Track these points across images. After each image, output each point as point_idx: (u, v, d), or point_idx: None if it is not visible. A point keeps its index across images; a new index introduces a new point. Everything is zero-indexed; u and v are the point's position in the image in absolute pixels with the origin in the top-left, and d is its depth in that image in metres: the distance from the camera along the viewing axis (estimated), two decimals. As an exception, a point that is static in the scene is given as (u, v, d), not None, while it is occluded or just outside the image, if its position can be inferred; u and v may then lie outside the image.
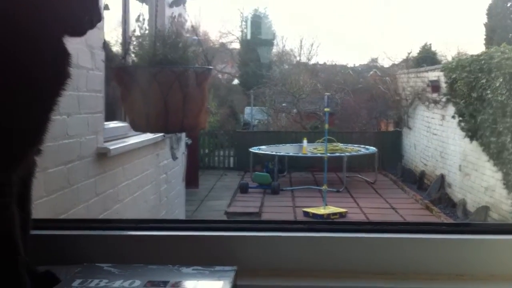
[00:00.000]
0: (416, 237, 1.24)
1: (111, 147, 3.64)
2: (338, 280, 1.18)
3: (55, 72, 0.95)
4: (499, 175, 7.82)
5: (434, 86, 10.82)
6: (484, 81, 8.29)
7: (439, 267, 1.21)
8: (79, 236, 1.21)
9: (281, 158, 11.94)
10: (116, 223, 1.28)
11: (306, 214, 8.51)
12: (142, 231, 1.24)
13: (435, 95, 10.88)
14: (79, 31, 0.98)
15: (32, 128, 0.93)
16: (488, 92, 8.12)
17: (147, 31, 2.57)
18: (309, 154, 11.72)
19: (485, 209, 8.10)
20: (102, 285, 1.00)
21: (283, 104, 16.31)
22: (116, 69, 2.46)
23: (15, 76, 0.90)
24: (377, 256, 1.21)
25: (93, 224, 1.29)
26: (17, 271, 0.92)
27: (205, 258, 1.16)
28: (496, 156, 7.87)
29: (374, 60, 18.45)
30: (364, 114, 15.10)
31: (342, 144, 12.15)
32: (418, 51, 15.85)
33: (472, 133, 8.76)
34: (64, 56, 0.97)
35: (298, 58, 19.95)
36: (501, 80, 7.68)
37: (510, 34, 13.92)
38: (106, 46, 3.75)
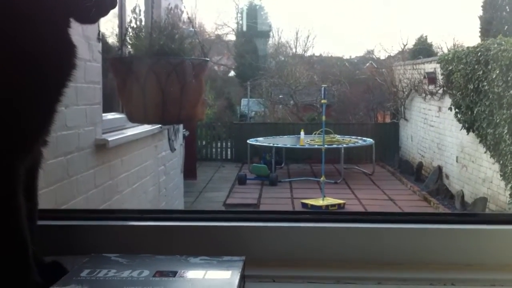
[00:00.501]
0: (424, 227, 1.24)
1: (110, 139, 3.63)
2: (347, 270, 1.17)
3: (61, 62, 0.94)
4: (496, 167, 7.84)
5: (431, 78, 10.83)
6: (480, 73, 8.29)
7: (448, 257, 1.20)
8: (86, 226, 1.20)
9: (279, 149, 11.94)
10: (123, 214, 1.27)
11: (305, 205, 8.53)
12: (149, 221, 1.23)
13: (431, 87, 10.88)
14: (88, 18, 0.96)
15: (38, 119, 0.92)
16: (485, 84, 8.12)
17: (143, 23, 2.55)
18: (307, 146, 11.72)
19: (483, 200, 8.13)
20: (110, 275, 0.99)
21: (280, 96, 16.30)
22: (113, 60, 2.44)
23: (21, 66, 0.88)
24: (386, 246, 1.20)
25: (100, 214, 1.28)
26: (26, 261, 0.91)
27: (213, 248, 1.16)
28: (493, 147, 7.89)
29: (370, 52, 18.43)
30: (361, 105, 15.10)
31: (339, 136, 12.17)
32: (414, 43, 15.86)
33: (469, 124, 8.77)
34: (70, 47, 0.95)
35: (294, 50, 19.92)
36: (497, 72, 7.68)
37: (506, 26, 13.91)
38: (102, 37, 3.73)
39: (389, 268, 1.19)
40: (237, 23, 20.15)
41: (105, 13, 0.97)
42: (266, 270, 1.16)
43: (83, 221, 1.21)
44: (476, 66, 8.44)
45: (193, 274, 1.02)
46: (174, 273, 1.01)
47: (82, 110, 3.31)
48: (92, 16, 0.96)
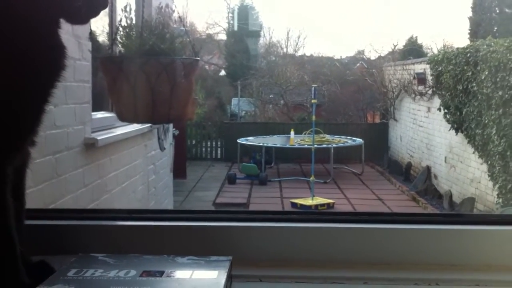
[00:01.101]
0: (411, 227, 1.25)
1: (99, 138, 3.62)
2: (334, 270, 1.18)
3: (51, 63, 0.94)
4: (484, 167, 7.90)
5: (420, 78, 10.89)
6: (469, 73, 8.35)
7: (433, 257, 1.21)
8: (74, 226, 1.20)
9: (269, 149, 11.95)
10: (111, 213, 1.27)
11: (294, 205, 8.55)
12: (136, 221, 1.23)
13: (421, 88, 10.95)
14: (78, 18, 0.96)
15: (27, 120, 0.92)
16: (474, 84, 8.18)
17: (134, 21, 2.54)
18: (297, 146, 11.74)
19: (471, 200, 8.19)
20: (97, 275, 0.99)
21: (270, 96, 16.31)
22: (103, 59, 2.43)
23: (11, 67, 0.88)
24: (373, 246, 1.21)
25: (88, 214, 1.28)
26: (14, 261, 0.91)
27: (200, 248, 1.16)
28: (481, 148, 7.95)
29: (361, 52, 18.50)
30: (351, 105, 15.16)
31: (329, 136, 12.21)
32: (404, 44, 15.94)
33: (457, 125, 8.83)
34: (59, 48, 0.95)
35: (285, 50, 19.95)
36: (486, 73, 7.74)
37: (495, 27, 14.01)
38: (92, 35, 3.71)
39: (376, 268, 1.20)
40: (228, 22, 20.15)
41: (96, 13, 0.97)
42: (253, 270, 1.17)
43: (71, 220, 1.21)
44: (465, 67, 8.50)
45: (180, 274, 1.02)
46: (161, 273, 1.01)
47: (71, 109, 3.30)
48: (82, 17, 0.96)
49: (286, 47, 19.83)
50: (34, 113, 0.93)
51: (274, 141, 12.27)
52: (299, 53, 19.72)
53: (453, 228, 1.25)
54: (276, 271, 1.19)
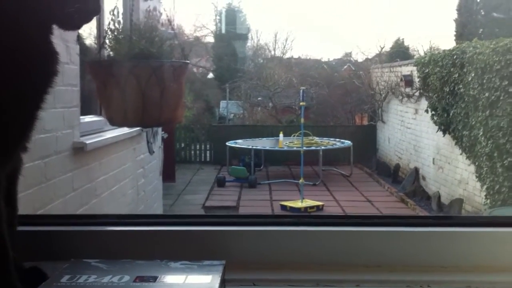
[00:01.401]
0: (402, 230, 1.26)
1: (88, 142, 3.61)
2: (326, 272, 1.19)
3: (43, 70, 0.94)
4: (472, 168, 7.97)
5: (407, 80, 10.96)
6: (456, 75, 8.42)
7: (424, 259, 1.23)
8: (66, 232, 1.19)
9: (258, 152, 11.96)
10: (103, 219, 1.27)
11: (284, 207, 8.56)
12: (129, 226, 1.23)
13: (408, 89, 11.02)
14: (70, 24, 0.96)
15: (20, 126, 0.92)
16: (460, 86, 8.25)
17: (122, 25, 2.54)
18: (285, 148, 11.76)
19: (459, 201, 8.25)
20: (91, 281, 0.99)
21: (259, 98, 16.33)
22: (92, 63, 2.43)
23: (4, 74, 0.88)
24: (364, 249, 1.23)
25: (80, 219, 1.28)
26: (7, 267, 0.90)
27: (193, 253, 1.16)
28: (469, 149, 8.02)
29: (348, 55, 18.56)
30: (339, 108, 15.21)
31: (317, 138, 12.23)
32: (391, 46, 16.03)
33: (445, 127, 8.90)
34: (52, 54, 0.95)
35: (272, 52, 19.97)
36: (473, 74, 7.81)
37: (481, 30, 14.14)
38: (80, 39, 3.70)
39: (367, 270, 1.21)
40: (216, 25, 20.14)
41: (88, 19, 0.97)
42: (246, 274, 1.17)
43: (63, 226, 1.21)
44: (452, 69, 8.57)
45: (173, 279, 1.02)
46: (154, 278, 1.01)
47: (60, 113, 3.28)
48: (75, 23, 0.96)
49: (274, 49, 19.85)
50: (26, 120, 0.93)
51: (263, 143, 12.28)
52: (287, 55, 19.75)
53: (443, 230, 1.27)
54: (269, 274, 1.19)
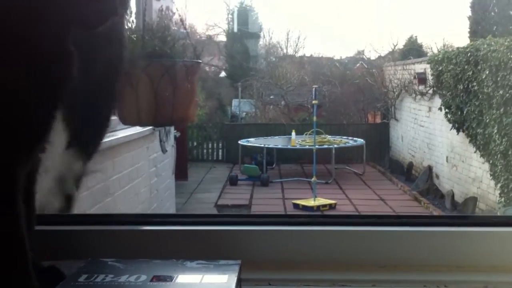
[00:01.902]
0: (417, 229, 1.26)
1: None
2: (342, 272, 1.19)
3: (63, 70, 0.94)
4: (486, 166, 7.91)
5: (421, 78, 10.90)
6: (470, 73, 8.35)
7: (440, 259, 1.22)
8: (83, 231, 1.20)
9: (270, 150, 11.96)
10: (119, 218, 1.28)
11: (296, 206, 8.55)
12: (145, 225, 1.24)
13: (421, 87, 10.95)
14: (87, 26, 0.96)
15: (40, 126, 0.93)
16: (475, 84, 8.19)
17: (135, 24, 2.55)
18: (298, 146, 11.75)
19: (473, 200, 8.19)
20: (108, 280, 0.99)
21: (271, 97, 16.31)
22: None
23: (28, 72, 0.89)
24: (380, 248, 1.22)
25: (96, 218, 1.28)
26: (26, 267, 0.91)
27: (209, 252, 1.16)
28: (483, 147, 7.95)
29: (361, 53, 18.48)
30: (352, 106, 15.16)
31: (330, 136, 12.21)
32: (404, 44, 15.93)
33: (458, 124, 8.84)
34: (70, 54, 0.96)
35: (285, 51, 19.94)
36: (487, 72, 7.74)
37: (494, 27, 13.99)
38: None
39: (383, 270, 1.21)
40: (228, 24, 20.15)
41: (104, 21, 0.97)
42: (261, 274, 1.17)
43: (80, 225, 1.22)
44: (466, 67, 8.51)
45: (190, 278, 1.03)
46: (171, 278, 1.02)
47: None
48: (90, 24, 0.96)
49: (286, 48, 19.83)
50: (45, 119, 0.94)
51: (275, 142, 12.27)
52: (299, 54, 19.71)
53: (459, 230, 1.26)
54: (284, 274, 1.19)
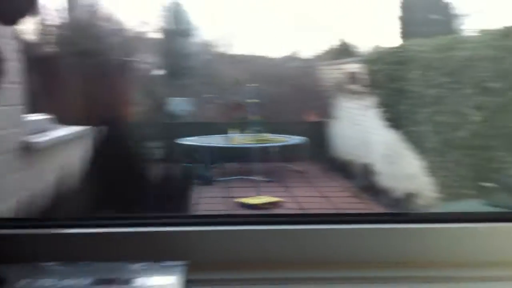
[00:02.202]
0: (359, 227, 1.27)
1: (36, 140, 3.49)
2: (287, 271, 1.19)
3: None
4: (422, 163, 8.19)
5: (355, 77, 11.16)
6: (402, 72, 8.64)
7: (384, 255, 1.24)
8: (23, 235, 1.14)
9: (210, 149, 11.89)
10: (60, 221, 1.22)
11: (240, 204, 8.54)
12: (87, 228, 1.19)
13: (356, 87, 11.21)
14: (4, 19, 0.92)
15: None
16: (407, 83, 8.47)
17: (64, 21, 2.47)
18: (239, 145, 11.75)
19: (410, 196, 8.47)
20: (49, 285, 0.95)
21: (209, 95, 16.24)
22: (35, 59, 2.34)
23: None
24: (326, 246, 1.23)
25: (38, 222, 1.22)
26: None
27: (154, 254, 1.14)
28: (418, 145, 8.24)
29: (296, 52, 18.69)
30: (291, 105, 15.31)
31: (271, 135, 12.29)
32: (338, 44, 16.25)
33: (393, 123, 9.11)
34: None
35: (220, 49, 19.89)
36: (418, 72, 8.03)
37: (424, 28, 14.49)
38: (21, 35, 3.58)
39: (330, 267, 1.21)
40: (162, 21, 19.88)
41: (21, 15, 0.93)
42: (208, 274, 1.16)
43: (20, 229, 1.16)
44: (397, 66, 8.78)
45: (136, 280, 1.00)
46: (115, 280, 0.98)
47: (4, 111, 3.16)
48: (8, 18, 0.92)
49: (222, 46, 19.80)
50: None
51: (215, 141, 12.23)
52: (236, 52, 19.72)
53: (401, 227, 1.28)
54: (231, 274, 1.18)
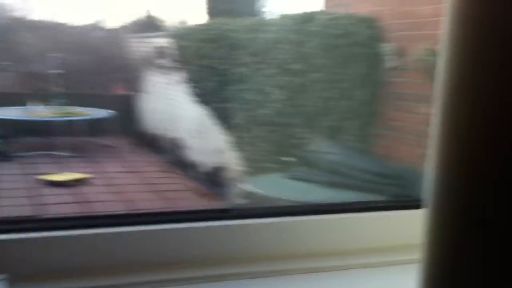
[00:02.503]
0: (191, 226, 1.32)
1: None
2: (114, 276, 1.20)
3: None
4: (230, 139, 8.56)
5: (164, 52, 11.14)
6: (210, 50, 8.87)
7: (207, 253, 1.31)
8: None
9: (7, 122, 10.95)
10: None
11: (45, 182, 8.05)
12: None
13: (165, 61, 11.21)
14: None
15: None
16: (214, 60, 8.73)
17: None
18: (40, 118, 11.01)
19: (219, 169, 8.84)
20: None
21: (5, 63, 14.87)
22: None
23: None
24: (149, 248, 1.25)
25: None
26: None
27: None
28: (225, 120, 8.59)
29: (100, 21, 17.96)
30: (97, 76, 14.73)
31: (76, 108, 11.73)
32: (145, 16, 15.99)
33: (202, 99, 9.34)
34: None
35: (15, 13, 18.25)
36: (225, 50, 8.33)
37: (231, 6, 14.95)
38: None
39: (150, 270, 1.25)
40: None
41: None
42: (35, 285, 1.12)
43: None
44: (205, 44, 8.99)
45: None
46: None
47: None
48: None
49: (17, 10, 18.18)
50: None
51: (13, 113, 11.28)
52: (37, 17, 18.27)
53: (221, 224, 1.36)
54: (54, 284, 1.16)
